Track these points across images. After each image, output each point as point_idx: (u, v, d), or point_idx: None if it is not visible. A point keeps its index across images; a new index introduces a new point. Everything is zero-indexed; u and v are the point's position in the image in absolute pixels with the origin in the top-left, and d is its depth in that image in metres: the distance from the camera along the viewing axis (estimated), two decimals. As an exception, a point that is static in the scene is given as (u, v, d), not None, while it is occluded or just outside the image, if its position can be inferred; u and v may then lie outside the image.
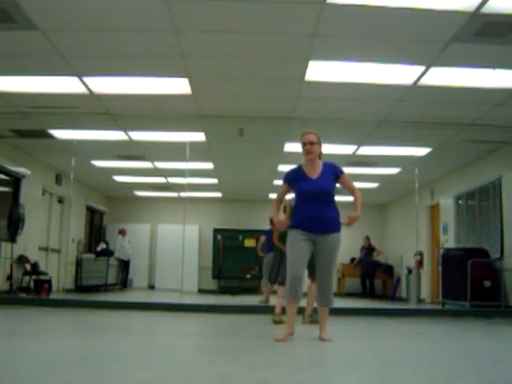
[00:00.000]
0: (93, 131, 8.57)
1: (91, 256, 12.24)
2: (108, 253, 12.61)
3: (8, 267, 8.91)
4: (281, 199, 4.54)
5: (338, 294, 13.83)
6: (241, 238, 14.35)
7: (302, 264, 4.22)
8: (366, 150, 9.12)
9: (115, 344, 3.98)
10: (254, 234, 14.35)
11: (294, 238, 4.23)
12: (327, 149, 9.04)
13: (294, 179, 4.38)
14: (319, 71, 5.94)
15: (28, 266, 9.53)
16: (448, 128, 7.79)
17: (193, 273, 13.66)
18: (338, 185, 4.38)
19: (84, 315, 6.53)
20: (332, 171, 4.31)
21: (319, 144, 4.36)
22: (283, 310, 5.32)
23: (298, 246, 4.20)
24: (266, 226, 14.55)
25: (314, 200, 4.19)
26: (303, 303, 5.30)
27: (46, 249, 10.91)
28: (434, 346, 4.49)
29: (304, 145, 4.33)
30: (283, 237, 8.28)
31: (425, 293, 11.14)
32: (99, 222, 14.57)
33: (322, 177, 4.26)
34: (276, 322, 5.91)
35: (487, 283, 8.22)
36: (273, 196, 13.79)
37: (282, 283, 5.86)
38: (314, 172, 4.29)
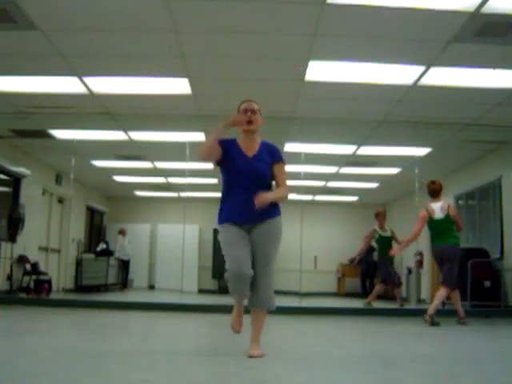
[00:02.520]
0: (93, 131, 8.57)
1: (91, 256, 12.23)
2: (108, 253, 12.60)
3: (8, 267, 8.91)
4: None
5: (338, 294, 13.85)
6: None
7: (247, 259, 3.36)
8: (366, 150, 9.12)
9: (115, 344, 3.98)
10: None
11: (227, 232, 3.42)
12: (327, 149, 9.16)
13: (228, 149, 3.47)
14: (319, 71, 5.94)
15: (28, 266, 9.52)
16: (448, 128, 7.79)
17: (193, 273, 13.64)
18: None
19: (84, 315, 6.53)
20: (269, 154, 3.51)
21: (261, 116, 3.55)
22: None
23: (234, 239, 3.39)
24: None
25: (247, 184, 3.36)
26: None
27: (46, 249, 10.90)
28: (434, 346, 4.49)
29: (245, 111, 3.47)
30: None
31: (425, 293, 11.13)
32: (99, 222, 14.56)
33: (259, 157, 3.46)
34: None
35: (487, 283, 8.22)
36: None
37: None
38: (250, 149, 3.48)
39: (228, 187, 3.47)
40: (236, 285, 3.35)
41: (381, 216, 8.70)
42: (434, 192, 6.40)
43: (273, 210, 3.45)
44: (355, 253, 13.56)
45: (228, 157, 3.45)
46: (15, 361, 3.02)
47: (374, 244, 13.09)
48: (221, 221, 3.47)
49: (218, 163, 3.50)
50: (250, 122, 3.44)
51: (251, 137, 3.51)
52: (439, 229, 6.33)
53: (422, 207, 6.62)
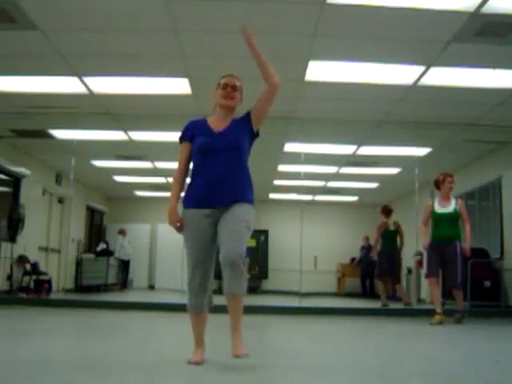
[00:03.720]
0: (93, 131, 8.57)
1: (91, 256, 12.23)
2: (108, 253, 12.60)
3: (8, 267, 8.91)
4: (184, 169, 3.15)
5: (338, 294, 13.85)
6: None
7: (204, 270, 3.06)
8: (366, 150, 9.12)
9: (115, 344, 3.98)
10: (254, 234, 14.32)
11: (189, 228, 3.04)
12: (327, 149, 9.16)
13: (194, 134, 3.10)
14: (319, 71, 5.94)
15: (28, 266, 9.53)
16: (448, 128, 7.79)
17: (193, 273, 13.64)
18: (254, 130, 3.16)
19: (84, 315, 6.53)
20: (243, 120, 3.15)
21: (241, 95, 3.25)
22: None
23: (195, 245, 3.04)
24: (267, 226, 14.65)
25: (217, 160, 2.98)
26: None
27: (46, 249, 10.90)
28: (434, 345, 4.49)
29: (225, 86, 3.19)
30: None
31: (425, 293, 11.12)
32: (99, 222, 14.56)
33: (231, 129, 3.08)
34: None
35: (487, 283, 8.22)
36: (273, 196, 13.82)
37: None
38: (220, 125, 3.11)
39: (196, 165, 3.07)
40: (192, 299, 3.15)
41: (385, 211, 8.81)
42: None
43: (247, 193, 3.07)
44: (356, 252, 13.61)
45: (194, 138, 3.08)
46: (15, 361, 3.02)
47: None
48: (186, 204, 3.08)
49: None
50: (227, 98, 3.13)
51: (227, 115, 3.15)
52: (443, 223, 6.27)
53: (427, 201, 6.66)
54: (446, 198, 6.40)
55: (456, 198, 6.54)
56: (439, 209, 6.34)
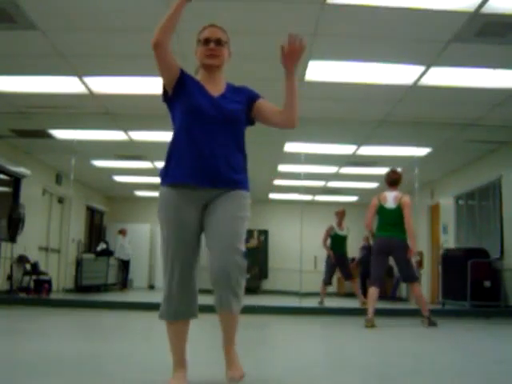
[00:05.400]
0: (93, 131, 8.57)
1: (91, 256, 12.24)
2: (108, 253, 12.61)
3: (8, 267, 8.91)
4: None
5: (338, 294, 13.84)
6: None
7: (188, 265, 2.43)
8: (366, 150, 9.12)
9: (115, 344, 3.98)
10: (254, 234, 14.35)
11: (171, 211, 2.47)
12: (327, 149, 9.16)
13: (186, 83, 2.49)
14: (319, 71, 5.94)
15: (28, 266, 9.53)
16: (448, 128, 7.79)
17: (193, 273, 13.66)
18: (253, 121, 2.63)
19: (84, 315, 6.53)
20: (242, 95, 2.57)
21: (229, 49, 2.61)
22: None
23: (179, 234, 2.43)
24: (267, 226, 14.65)
25: (211, 130, 2.40)
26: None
27: (46, 249, 10.90)
28: (434, 345, 4.49)
29: (207, 41, 2.54)
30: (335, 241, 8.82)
31: (425, 293, 11.13)
32: (99, 222, 14.56)
33: (229, 97, 2.51)
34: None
35: (487, 283, 8.22)
36: (273, 196, 13.82)
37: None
38: (215, 88, 2.51)
39: (182, 129, 2.43)
40: (169, 302, 2.51)
41: (340, 215, 9.07)
42: (393, 182, 6.30)
43: (244, 179, 2.49)
44: (356, 252, 13.60)
45: (184, 92, 2.44)
46: (15, 361, 3.02)
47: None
48: (166, 180, 2.50)
49: (169, 97, 2.52)
50: (211, 56, 2.50)
51: (214, 75, 2.53)
52: (388, 220, 6.02)
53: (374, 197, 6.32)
54: (394, 193, 6.13)
55: (403, 194, 6.19)
56: (387, 204, 6.08)
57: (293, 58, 2.50)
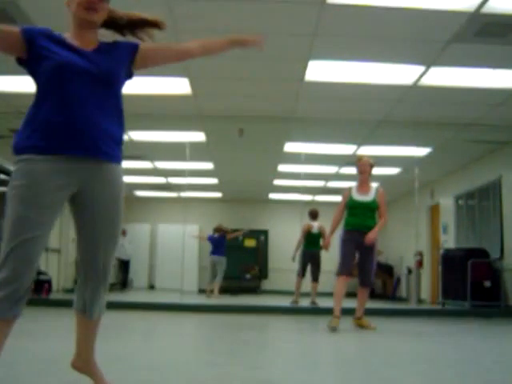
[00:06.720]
0: (93, 131, 8.57)
1: (91, 256, 12.22)
2: (108, 253, 12.59)
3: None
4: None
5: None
6: (241, 237, 14.34)
7: (33, 253, 1.95)
8: (366, 150, 9.12)
9: (115, 344, 3.97)
10: (254, 234, 14.36)
11: (28, 185, 1.97)
12: (327, 149, 9.16)
13: (40, 44, 1.98)
14: (319, 71, 5.94)
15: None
16: (448, 128, 7.79)
17: (193, 273, 13.65)
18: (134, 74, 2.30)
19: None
20: (123, 50, 2.17)
21: (108, 4, 2.11)
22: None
23: (32, 214, 1.91)
24: (267, 226, 14.64)
25: (81, 90, 1.96)
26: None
27: (46, 249, 10.86)
28: (434, 345, 4.49)
29: None
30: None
31: (425, 293, 11.13)
32: (99, 222, 14.55)
33: (104, 55, 2.08)
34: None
35: (487, 283, 8.22)
36: (273, 196, 13.82)
37: None
38: (85, 45, 2.06)
39: (44, 96, 1.98)
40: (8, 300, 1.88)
41: (311, 215, 9.06)
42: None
43: (118, 149, 2.12)
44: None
45: (42, 54, 1.97)
46: (15, 361, 3.02)
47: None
48: (23, 148, 2.07)
49: (23, 62, 2.06)
50: (92, 10, 2.02)
51: (87, 32, 2.08)
52: (359, 211, 5.63)
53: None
54: (364, 185, 5.80)
55: (378, 187, 5.89)
56: (358, 196, 5.72)
57: (246, 45, 2.38)
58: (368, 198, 5.71)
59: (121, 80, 2.15)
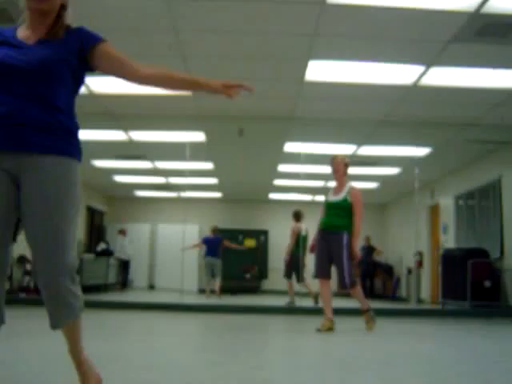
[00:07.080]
0: (93, 131, 8.56)
1: (91, 256, 12.24)
2: (108, 253, 12.61)
3: (8, 267, 8.91)
4: None
5: (339, 294, 13.83)
6: (241, 238, 14.36)
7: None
8: (366, 150, 9.13)
9: (115, 344, 3.98)
10: (254, 234, 14.37)
11: None
12: (327, 149, 9.16)
13: None
14: (319, 71, 5.94)
15: (28, 266, 9.52)
16: (448, 128, 7.79)
17: (193, 273, 13.66)
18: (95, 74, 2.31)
19: (84, 315, 6.52)
20: (75, 39, 2.08)
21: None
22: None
23: None
24: (266, 226, 14.64)
25: (12, 84, 1.89)
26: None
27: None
28: (434, 346, 4.49)
29: None
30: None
31: (425, 293, 11.14)
32: (99, 222, 14.56)
33: (52, 44, 1.99)
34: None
35: (487, 283, 8.22)
36: (273, 196, 13.82)
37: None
38: (39, 33, 2.01)
39: None
40: None
41: (298, 216, 9.09)
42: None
43: (67, 140, 1.98)
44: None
45: None
46: (15, 361, 3.02)
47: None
48: None
49: None
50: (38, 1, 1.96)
51: (38, 21, 2.01)
52: (332, 211, 5.56)
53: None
54: (338, 185, 5.78)
55: (351, 186, 5.71)
56: (331, 196, 5.73)
57: (228, 93, 2.19)
58: (338, 197, 5.66)
59: (64, 70, 1.98)
